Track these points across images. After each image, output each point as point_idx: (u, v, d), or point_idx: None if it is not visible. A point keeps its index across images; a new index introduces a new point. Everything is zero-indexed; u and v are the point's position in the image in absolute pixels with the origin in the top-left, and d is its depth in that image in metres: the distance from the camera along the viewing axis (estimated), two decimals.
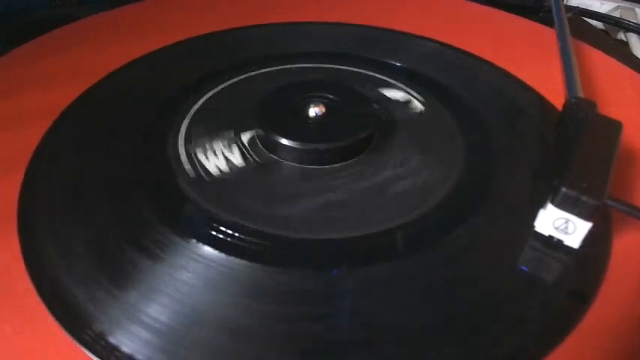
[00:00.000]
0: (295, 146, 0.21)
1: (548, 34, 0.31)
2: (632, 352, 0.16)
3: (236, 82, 0.27)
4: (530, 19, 0.36)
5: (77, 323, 0.16)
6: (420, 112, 0.25)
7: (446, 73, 0.29)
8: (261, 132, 0.22)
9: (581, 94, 0.23)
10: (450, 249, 0.19)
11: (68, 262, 0.18)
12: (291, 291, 0.17)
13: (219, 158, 0.22)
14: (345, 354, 0.15)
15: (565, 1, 0.42)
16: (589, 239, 0.18)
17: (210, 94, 0.26)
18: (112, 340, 0.15)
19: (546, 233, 0.18)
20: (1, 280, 0.17)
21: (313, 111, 0.22)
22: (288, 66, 0.29)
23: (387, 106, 0.25)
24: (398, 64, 0.29)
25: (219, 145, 0.23)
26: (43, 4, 0.37)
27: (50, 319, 0.16)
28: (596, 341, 0.16)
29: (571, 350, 0.16)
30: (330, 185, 0.21)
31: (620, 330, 0.17)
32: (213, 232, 0.19)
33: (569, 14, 0.34)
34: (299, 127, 0.22)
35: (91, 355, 0.15)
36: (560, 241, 0.18)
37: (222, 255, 0.18)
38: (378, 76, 0.28)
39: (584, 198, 0.17)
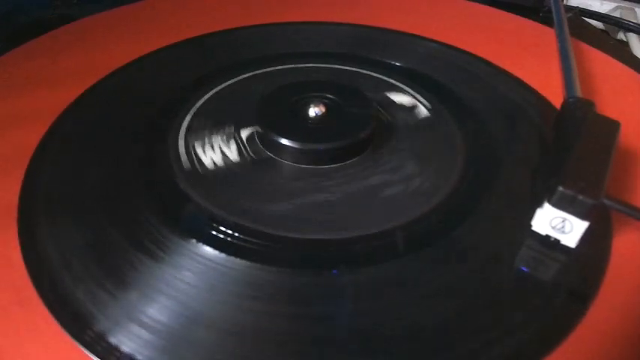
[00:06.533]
0: (295, 146, 0.21)
1: (548, 34, 0.31)
2: (632, 352, 0.16)
3: (235, 82, 0.27)
4: (530, 19, 0.36)
5: (77, 323, 0.16)
6: (419, 111, 0.25)
7: (445, 72, 0.29)
8: (260, 132, 0.23)
9: (579, 93, 0.23)
10: (448, 249, 0.19)
11: (68, 262, 0.18)
12: (291, 291, 0.17)
13: (220, 159, 0.22)
14: (345, 354, 0.16)
15: (565, 1, 0.42)
16: (588, 239, 0.18)
17: (209, 94, 0.26)
18: (112, 340, 0.15)
19: (543, 232, 0.18)
20: (1, 279, 0.17)
21: (313, 111, 0.22)
22: (289, 66, 0.29)
23: (386, 105, 0.25)
24: (397, 64, 0.29)
25: (220, 146, 0.23)
26: (43, 4, 0.37)
27: (50, 319, 0.16)
28: (595, 341, 0.16)
29: (571, 350, 0.16)
30: (331, 185, 0.21)
31: (620, 330, 0.17)
32: (213, 232, 0.19)
33: (569, 14, 0.34)
34: (299, 127, 0.22)
35: (91, 355, 0.15)
36: (557, 241, 0.18)
37: (222, 255, 0.18)
38: (377, 76, 0.28)
39: (580, 197, 0.17)
